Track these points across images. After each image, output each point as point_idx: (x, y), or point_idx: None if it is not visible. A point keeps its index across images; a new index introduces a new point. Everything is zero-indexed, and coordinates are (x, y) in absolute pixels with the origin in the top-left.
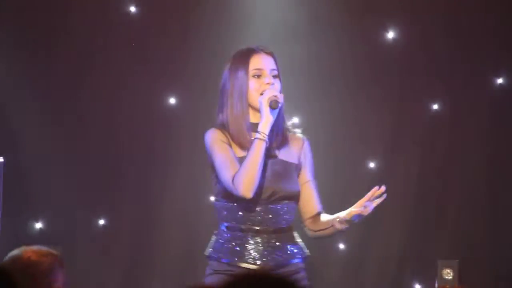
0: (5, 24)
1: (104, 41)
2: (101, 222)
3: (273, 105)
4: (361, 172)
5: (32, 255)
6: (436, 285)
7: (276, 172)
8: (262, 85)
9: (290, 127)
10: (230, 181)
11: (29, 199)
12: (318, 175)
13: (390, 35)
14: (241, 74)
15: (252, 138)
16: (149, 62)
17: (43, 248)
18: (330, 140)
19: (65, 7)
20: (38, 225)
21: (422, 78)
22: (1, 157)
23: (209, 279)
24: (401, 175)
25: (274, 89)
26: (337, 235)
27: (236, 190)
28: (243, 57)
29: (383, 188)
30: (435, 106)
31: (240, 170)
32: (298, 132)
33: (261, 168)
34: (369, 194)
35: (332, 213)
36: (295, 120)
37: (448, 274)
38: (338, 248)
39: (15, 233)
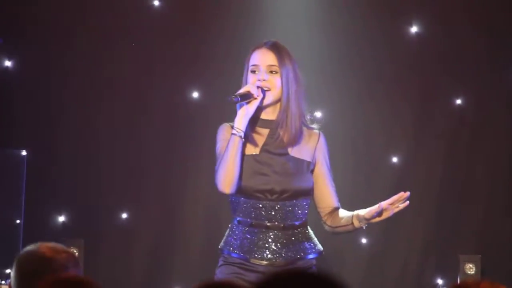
0: (33, 21)
1: (127, 35)
2: (124, 216)
3: (243, 98)
4: (384, 167)
5: (47, 252)
6: (458, 280)
7: (287, 169)
8: (256, 81)
9: (308, 122)
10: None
11: (52, 193)
12: (339, 170)
13: (414, 29)
14: (245, 69)
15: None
16: (172, 57)
17: (59, 246)
18: (353, 135)
19: (88, 2)
20: (61, 219)
21: (445, 73)
22: (25, 151)
23: (220, 270)
24: (424, 170)
25: (250, 85)
26: (355, 231)
27: (216, 186)
28: (249, 53)
29: (407, 193)
30: (459, 101)
31: (217, 166)
32: (315, 127)
33: (238, 163)
34: (395, 197)
35: (354, 208)
36: (318, 114)
37: (470, 269)
38: (360, 242)
39: (38, 226)
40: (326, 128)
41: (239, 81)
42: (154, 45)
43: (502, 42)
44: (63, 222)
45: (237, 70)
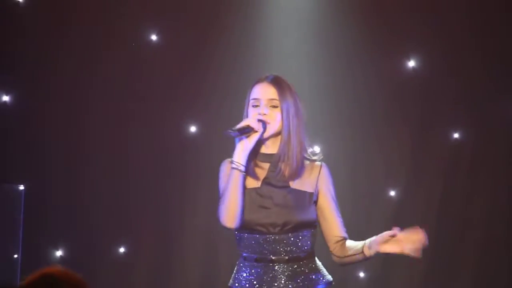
0: (29, 47)
1: (126, 69)
2: (121, 250)
3: (242, 132)
4: (382, 201)
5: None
6: None
7: (288, 201)
8: (257, 115)
9: (309, 155)
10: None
11: (49, 227)
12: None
13: (411, 64)
14: (246, 103)
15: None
16: (170, 90)
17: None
18: (351, 167)
19: (88, 35)
20: (59, 253)
21: (443, 106)
22: (22, 185)
23: None
24: (422, 204)
25: (249, 119)
26: (365, 261)
27: (219, 221)
28: (250, 87)
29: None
30: (456, 135)
31: (220, 201)
32: (317, 159)
33: (240, 197)
34: (410, 231)
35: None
36: (316, 148)
37: None
38: (358, 276)
39: (36, 260)
40: (324, 161)
41: (238, 115)
42: (153, 79)
43: (500, 75)
44: (61, 256)
45: (235, 105)
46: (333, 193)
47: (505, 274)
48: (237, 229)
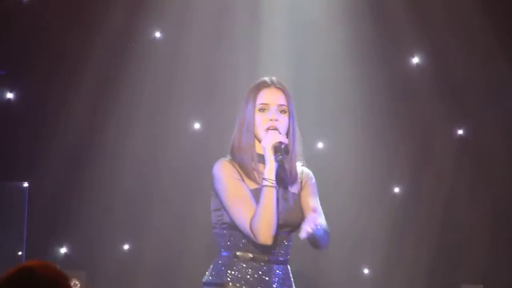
0: (34, 54)
1: (129, 67)
2: (126, 247)
3: (277, 151)
4: (386, 198)
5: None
6: None
7: (285, 204)
8: (266, 120)
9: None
10: (247, 227)
11: (53, 224)
12: (341, 200)
13: (415, 60)
14: (249, 107)
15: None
16: (174, 88)
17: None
18: (354, 165)
19: (91, 32)
20: (63, 250)
21: (448, 103)
22: (26, 183)
23: None
24: (426, 200)
25: (275, 133)
26: (360, 258)
27: (255, 238)
28: (254, 90)
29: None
30: (460, 132)
31: (255, 219)
32: (299, 164)
33: (276, 214)
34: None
35: (356, 238)
36: (320, 145)
37: None
38: (362, 272)
39: (40, 257)
40: (328, 158)
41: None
42: (156, 76)
43: (503, 72)
44: (65, 253)
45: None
46: (315, 189)
47: (509, 266)
48: (217, 226)
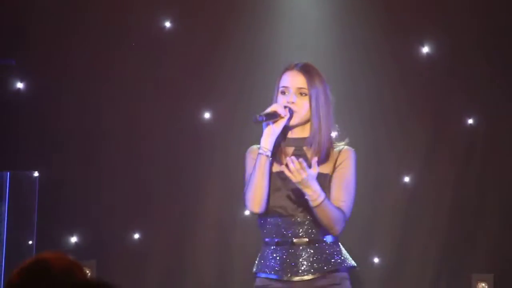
0: (42, 41)
1: (139, 57)
2: (136, 236)
3: (257, 119)
4: (396, 187)
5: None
6: None
7: None
8: (285, 102)
9: (335, 143)
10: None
11: (64, 214)
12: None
13: (425, 50)
14: (275, 90)
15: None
16: (183, 78)
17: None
18: (364, 154)
19: (102, 23)
20: (73, 239)
21: (457, 93)
22: (36, 172)
23: None
24: (436, 189)
25: (275, 105)
26: (370, 247)
27: (246, 206)
28: (280, 74)
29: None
30: (470, 121)
31: (246, 186)
32: (341, 144)
33: (266, 182)
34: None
35: (365, 226)
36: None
37: None
38: (372, 262)
39: (51, 247)
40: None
41: (253, 102)
42: (167, 66)
43: None
44: (76, 242)
45: (249, 91)
46: (349, 170)
47: None
48: (261, 214)
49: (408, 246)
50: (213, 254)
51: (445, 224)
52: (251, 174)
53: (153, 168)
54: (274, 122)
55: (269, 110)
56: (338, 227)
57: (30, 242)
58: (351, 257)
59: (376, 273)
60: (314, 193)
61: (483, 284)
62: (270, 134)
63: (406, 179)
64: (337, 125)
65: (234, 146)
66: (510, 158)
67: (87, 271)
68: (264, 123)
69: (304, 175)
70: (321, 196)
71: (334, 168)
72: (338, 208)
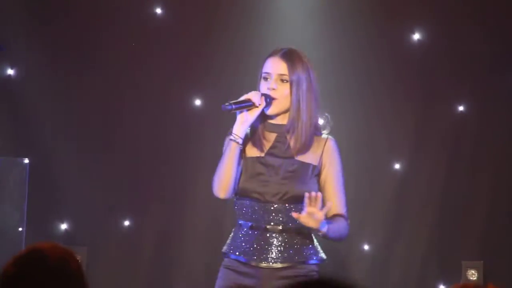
0: (32, 27)
1: (130, 43)
2: (126, 223)
3: (226, 107)
4: (386, 174)
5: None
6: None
7: (290, 172)
8: (266, 89)
9: (319, 130)
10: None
11: (54, 200)
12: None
13: (416, 36)
14: (259, 75)
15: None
16: (174, 64)
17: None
18: (354, 141)
19: (92, 8)
20: (64, 226)
21: (447, 79)
22: (27, 159)
23: (220, 274)
24: (426, 176)
25: (252, 93)
26: (361, 235)
27: (212, 190)
28: (264, 59)
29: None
30: (461, 108)
31: (215, 171)
32: (325, 133)
33: (234, 168)
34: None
35: (357, 214)
36: (320, 121)
37: (472, 275)
38: (362, 249)
39: (41, 233)
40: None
41: (240, 88)
42: (158, 52)
43: (505, 48)
44: (66, 229)
45: (239, 77)
46: (337, 167)
47: (510, 242)
48: (237, 196)
49: (398, 233)
50: (204, 241)
51: (436, 211)
52: (220, 160)
53: (143, 155)
54: (248, 110)
55: (242, 98)
56: (345, 236)
57: (20, 229)
58: (339, 244)
59: (366, 260)
60: (317, 229)
61: (473, 271)
62: (242, 121)
63: (397, 166)
64: (327, 114)
65: (224, 133)
66: (500, 144)
67: (78, 259)
68: (237, 111)
69: (315, 225)
70: (324, 227)
71: (320, 162)
72: (340, 218)
